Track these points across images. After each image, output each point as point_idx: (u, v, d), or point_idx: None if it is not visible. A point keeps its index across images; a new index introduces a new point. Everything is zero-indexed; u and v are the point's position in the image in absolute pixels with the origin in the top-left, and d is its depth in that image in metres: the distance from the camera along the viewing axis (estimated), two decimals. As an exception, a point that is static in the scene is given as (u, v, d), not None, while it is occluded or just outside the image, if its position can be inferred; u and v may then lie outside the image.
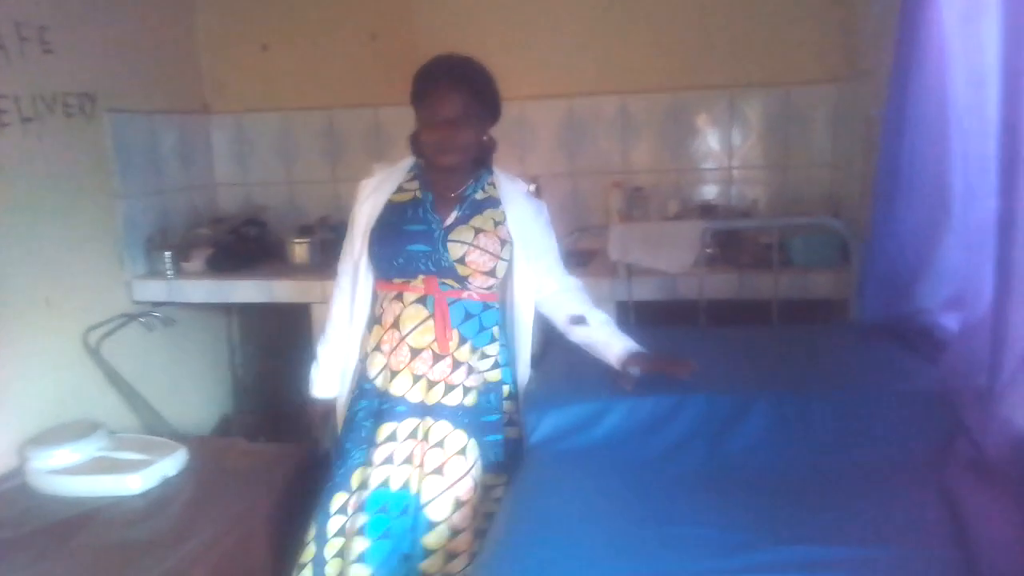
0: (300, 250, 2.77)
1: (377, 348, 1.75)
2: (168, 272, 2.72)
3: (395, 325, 1.72)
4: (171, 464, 2.12)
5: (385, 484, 1.67)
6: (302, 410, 1.93)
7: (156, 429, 2.59)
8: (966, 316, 1.53)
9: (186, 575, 1.70)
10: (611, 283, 2.43)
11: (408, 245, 1.70)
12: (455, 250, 1.69)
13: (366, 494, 1.66)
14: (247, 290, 2.64)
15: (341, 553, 1.68)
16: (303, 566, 1.71)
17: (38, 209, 2.32)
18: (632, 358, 1.71)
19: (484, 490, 1.73)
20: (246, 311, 3.12)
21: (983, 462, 1.31)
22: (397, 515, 1.66)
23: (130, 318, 2.63)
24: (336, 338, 1.84)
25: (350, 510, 1.69)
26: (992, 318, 1.30)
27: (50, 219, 2.36)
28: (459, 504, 1.67)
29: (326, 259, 2.56)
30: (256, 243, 2.91)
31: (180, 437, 2.36)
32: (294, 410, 2.53)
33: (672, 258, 2.32)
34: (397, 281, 1.73)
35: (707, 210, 2.78)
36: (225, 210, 3.17)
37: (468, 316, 1.73)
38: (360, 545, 1.64)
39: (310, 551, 1.71)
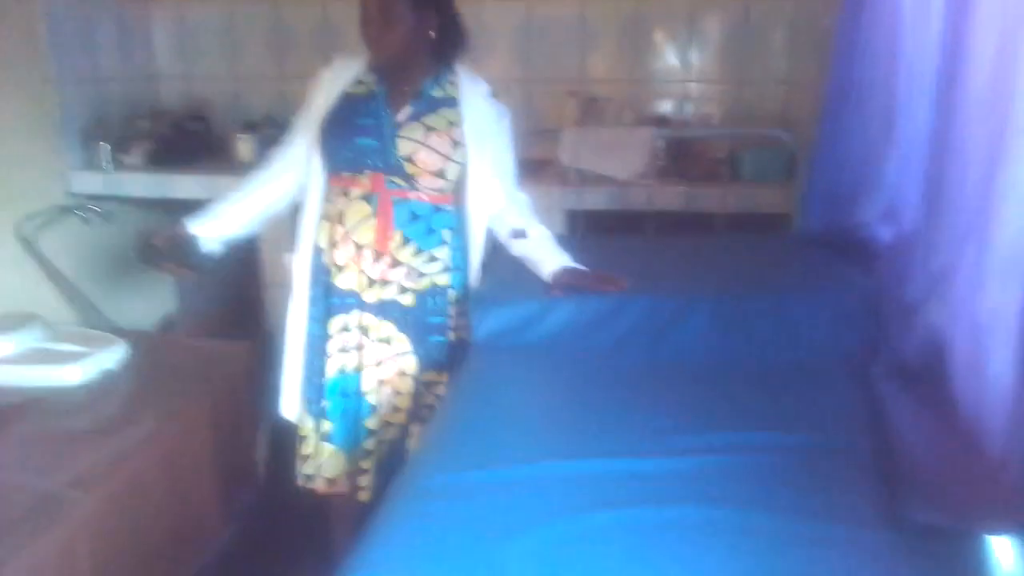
0: (244, 146, 2.70)
1: (327, 243, 1.75)
2: (106, 164, 2.63)
3: (340, 220, 1.72)
4: (111, 357, 2.10)
5: (341, 371, 1.77)
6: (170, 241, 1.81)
7: (95, 325, 2.54)
8: (897, 229, 1.58)
9: (125, 465, 1.69)
10: (562, 192, 2.43)
11: (356, 138, 1.69)
12: (404, 147, 1.67)
13: (325, 381, 1.77)
14: (189, 185, 2.59)
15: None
16: (309, 455, 1.84)
17: None
18: (565, 273, 1.73)
19: (424, 385, 1.78)
20: (188, 208, 3.05)
21: (904, 366, 1.38)
22: (353, 396, 1.77)
23: (66, 210, 2.55)
24: (244, 201, 1.83)
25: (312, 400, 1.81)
26: (920, 231, 1.35)
27: None
28: (395, 395, 1.77)
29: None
30: (198, 138, 2.83)
31: (121, 333, 2.32)
32: (239, 308, 2.52)
33: (623, 164, 2.33)
34: (345, 175, 1.72)
35: (661, 122, 2.79)
36: (166, 104, 3.06)
37: (414, 217, 1.73)
38: (326, 427, 1.79)
39: (313, 440, 1.83)
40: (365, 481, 1.78)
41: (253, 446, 2.17)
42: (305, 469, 1.84)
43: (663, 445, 1.21)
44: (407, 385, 1.78)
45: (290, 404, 1.86)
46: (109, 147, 2.63)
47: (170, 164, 2.65)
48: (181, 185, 2.59)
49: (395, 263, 1.72)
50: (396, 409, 1.79)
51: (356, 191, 1.71)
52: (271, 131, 2.78)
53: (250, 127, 2.80)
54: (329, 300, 1.76)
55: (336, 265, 1.74)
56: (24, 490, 1.56)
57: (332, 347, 1.77)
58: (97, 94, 2.75)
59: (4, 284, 2.34)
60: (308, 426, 1.83)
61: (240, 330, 2.39)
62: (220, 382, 2.09)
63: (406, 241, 1.72)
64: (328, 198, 1.75)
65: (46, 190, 2.54)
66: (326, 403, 1.78)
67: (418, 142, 1.67)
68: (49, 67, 2.52)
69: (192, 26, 3.04)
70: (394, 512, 1.09)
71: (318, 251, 1.78)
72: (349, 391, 1.78)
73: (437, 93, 1.73)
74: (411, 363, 1.78)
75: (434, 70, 1.73)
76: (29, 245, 2.40)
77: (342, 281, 1.74)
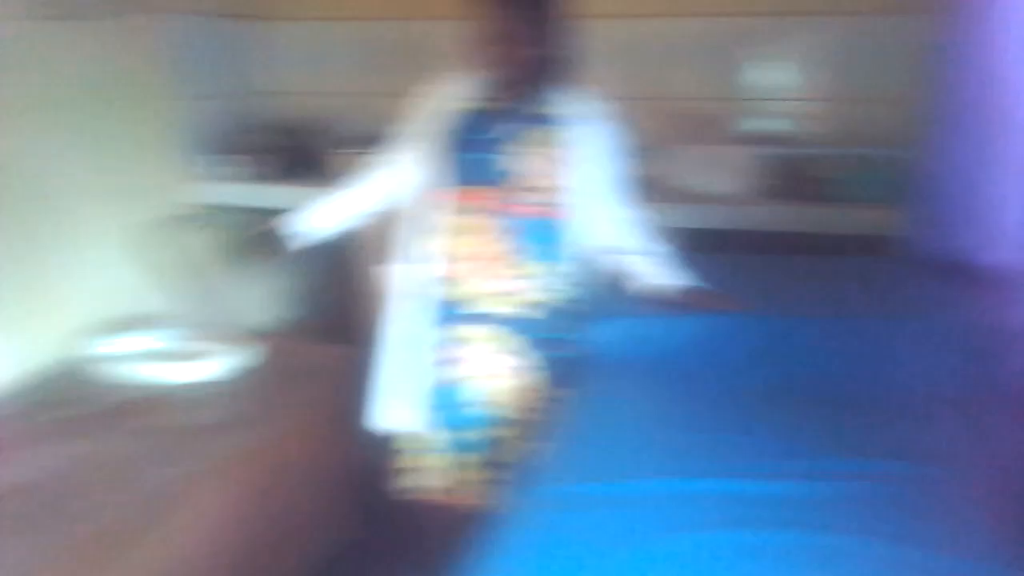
0: (354, 161, 2.80)
1: (441, 255, 1.80)
2: (223, 175, 2.80)
3: (453, 233, 1.77)
4: (237, 357, 2.23)
5: (449, 381, 1.82)
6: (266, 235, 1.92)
7: (213, 328, 2.69)
8: (1004, 254, 1.57)
9: (252, 459, 1.80)
10: (662, 209, 2.45)
11: (471, 154, 1.75)
12: (517, 163, 1.72)
13: (432, 391, 1.82)
14: (294, 197, 2.68)
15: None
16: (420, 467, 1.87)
17: (96, 107, 2.37)
18: (683, 291, 1.76)
19: (536, 399, 1.80)
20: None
21: (1013, 394, 1.37)
22: (461, 407, 1.82)
23: (188, 218, 2.72)
24: (358, 192, 1.91)
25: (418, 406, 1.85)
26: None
27: (107, 117, 2.42)
28: (505, 407, 1.80)
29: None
30: (311, 152, 2.95)
31: (241, 333, 2.44)
32: (334, 317, 2.60)
33: (724, 182, 2.34)
34: (459, 189, 1.76)
35: (765, 140, 2.76)
36: (282, 118, 3.20)
37: (528, 232, 1.76)
38: (433, 436, 1.85)
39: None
40: (472, 490, 1.83)
41: (356, 452, 2.24)
42: (407, 478, 1.89)
43: (774, 468, 1.24)
44: (518, 398, 1.80)
45: (388, 414, 1.90)
46: (226, 158, 2.80)
47: (283, 176, 2.81)
48: (292, 197, 2.70)
49: (509, 277, 1.76)
50: (504, 421, 1.82)
51: (471, 205, 1.75)
52: (381, 147, 2.88)
53: (361, 142, 2.91)
54: (439, 311, 1.81)
55: (448, 277, 1.79)
56: (153, 477, 1.68)
57: (440, 357, 1.82)
58: (217, 108, 2.91)
59: (130, 286, 2.52)
60: (413, 435, 1.87)
61: (336, 339, 2.48)
62: (341, 383, 2.16)
63: (520, 255, 1.76)
64: (441, 211, 1.79)
65: (170, 198, 2.72)
66: (432, 413, 1.83)
67: (531, 158, 1.72)
68: (174, 83, 2.67)
69: (312, 43, 3.17)
70: (514, 521, 1.14)
71: (430, 262, 1.81)
72: (456, 402, 1.82)
73: (547, 110, 1.76)
74: (524, 376, 1.80)
75: (547, 88, 1.76)
76: (157, 248, 2.58)
77: (453, 293, 1.79)
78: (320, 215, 1.90)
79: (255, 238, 1.88)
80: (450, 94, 1.80)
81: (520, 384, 1.80)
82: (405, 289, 1.86)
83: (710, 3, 2.81)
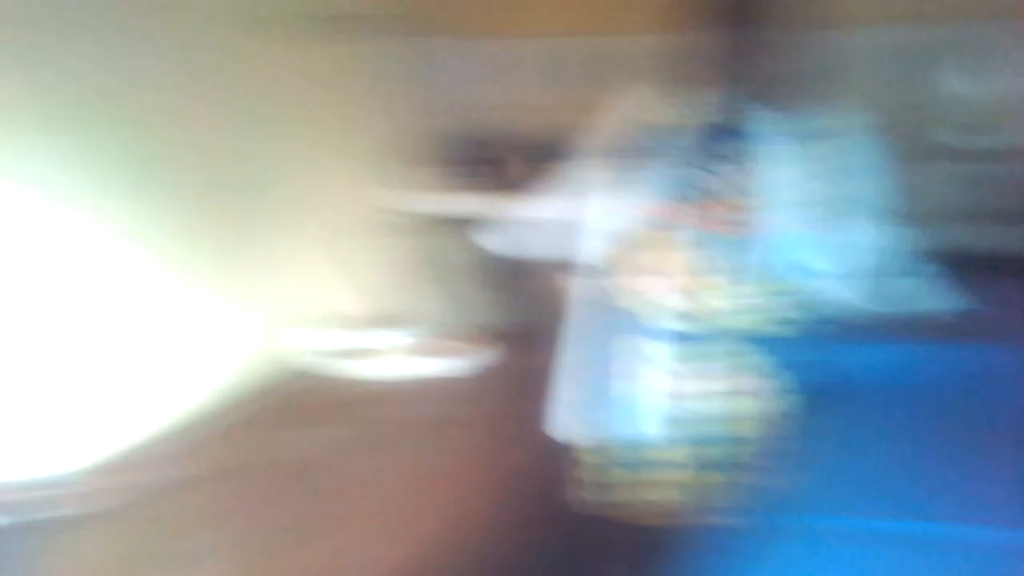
0: (543, 172, 2.85)
1: (631, 269, 1.78)
2: (437, 186, 2.95)
3: (645, 247, 1.75)
4: (481, 356, 2.36)
5: (639, 396, 1.77)
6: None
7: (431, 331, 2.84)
8: None
9: (504, 458, 1.89)
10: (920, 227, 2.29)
11: (666, 168, 1.72)
12: (713, 178, 1.69)
13: (622, 406, 1.80)
14: (489, 207, 2.77)
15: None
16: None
17: (310, 120, 2.57)
18: (949, 317, 1.68)
19: (738, 423, 1.78)
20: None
21: None
22: (647, 423, 1.78)
23: (404, 224, 2.91)
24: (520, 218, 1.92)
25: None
26: None
27: (335, 129, 2.65)
28: (701, 425, 1.74)
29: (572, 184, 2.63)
30: (501, 164, 3.02)
31: (467, 338, 2.55)
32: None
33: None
34: (653, 204, 1.74)
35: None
36: (474, 131, 3.27)
37: (723, 249, 1.71)
38: (628, 452, 1.81)
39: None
40: (661, 509, 1.80)
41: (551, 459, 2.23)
42: (596, 492, 1.86)
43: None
44: (708, 419, 1.76)
45: (572, 424, 1.88)
46: (440, 169, 2.96)
47: (470, 187, 2.89)
48: (498, 208, 2.80)
49: (701, 294, 1.72)
50: (694, 441, 1.78)
51: (665, 219, 1.73)
52: (576, 160, 2.94)
53: (554, 153, 2.98)
54: (625, 324, 1.78)
55: (637, 290, 1.77)
56: (400, 468, 1.82)
57: (627, 371, 1.79)
58: (410, 121, 3.05)
59: (358, 286, 2.72)
60: (598, 449, 1.85)
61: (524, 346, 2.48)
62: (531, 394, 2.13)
63: (713, 274, 1.71)
64: (633, 224, 1.78)
65: (381, 203, 2.90)
66: (615, 427, 1.80)
67: (730, 174, 1.68)
68: (381, 99, 2.87)
69: (510, 58, 3.24)
70: (748, 549, 1.15)
71: (621, 274, 1.80)
72: (640, 418, 1.79)
73: (753, 126, 1.71)
74: (714, 398, 1.75)
75: (755, 103, 1.71)
76: (370, 251, 2.81)
77: (640, 306, 1.76)
78: (516, 233, 1.92)
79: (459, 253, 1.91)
80: (647, 107, 1.79)
81: (711, 405, 1.76)
82: (591, 299, 1.84)
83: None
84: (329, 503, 1.69)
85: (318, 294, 2.61)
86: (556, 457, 1.92)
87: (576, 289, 1.86)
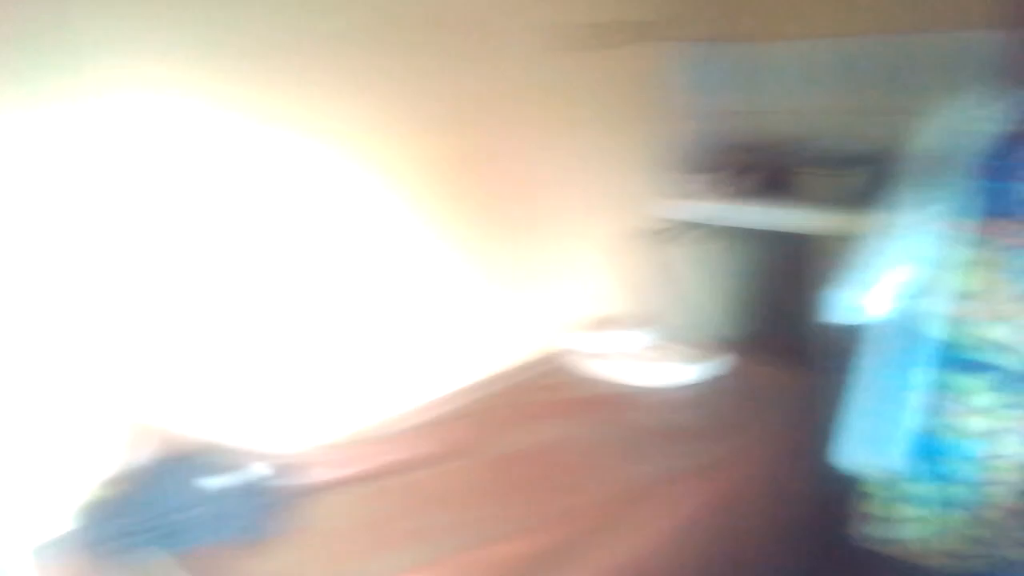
0: (838, 183, 2.67)
1: (944, 291, 1.62)
2: (701, 193, 2.88)
3: (967, 270, 1.58)
4: (708, 368, 2.28)
5: (934, 430, 1.64)
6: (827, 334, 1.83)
7: (677, 337, 2.79)
8: None
9: (722, 471, 1.81)
10: None
11: (994, 182, 1.55)
12: None
13: (912, 436, 1.65)
14: (776, 217, 2.66)
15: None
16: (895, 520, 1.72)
17: (595, 125, 2.61)
18: None
19: None
20: (766, 238, 3.15)
21: None
22: (948, 462, 1.63)
23: (662, 231, 2.86)
24: (885, 269, 1.73)
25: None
26: None
27: (604, 135, 2.65)
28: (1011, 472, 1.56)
29: (867, 195, 2.44)
30: (789, 174, 2.88)
31: (709, 345, 2.49)
32: (803, 341, 2.50)
33: None
34: (976, 221, 1.57)
35: None
36: (763, 138, 3.18)
37: None
38: (912, 487, 1.69)
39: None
40: (949, 552, 1.65)
41: (814, 485, 2.13)
42: (872, 525, 1.74)
43: None
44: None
45: (861, 453, 1.75)
46: (706, 177, 2.87)
47: (760, 195, 2.79)
48: (768, 216, 2.68)
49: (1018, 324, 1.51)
50: (1001, 488, 1.59)
51: (989, 238, 1.56)
52: (869, 169, 2.71)
53: (848, 163, 2.77)
54: (934, 351, 1.63)
55: (951, 315, 1.61)
56: (638, 474, 1.77)
57: (929, 402, 1.64)
58: (701, 128, 3.01)
59: (612, 287, 2.75)
60: (887, 481, 1.72)
61: (793, 361, 2.37)
62: (810, 412, 2.07)
63: None
64: (953, 243, 1.62)
65: (654, 211, 2.89)
66: (912, 461, 1.66)
67: None
68: (665, 105, 2.84)
69: (795, 61, 3.10)
70: None
71: (931, 296, 1.65)
72: (944, 454, 1.64)
73: None
74: None
75: None
76: (638, 257, 2.75)
77: (954, 334, 1.60)
78: (862, 301, 1.77)
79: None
80: (973, 114, 1.61)
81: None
82: (897, 322, 1.71)
83: None
84: (553, 499, 1.69)
85: (588, 296, 2.68)
86: (818, 483, 1.83)
87: (877, 311, 1.73)
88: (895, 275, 1.73)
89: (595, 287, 2.71)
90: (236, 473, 1.61)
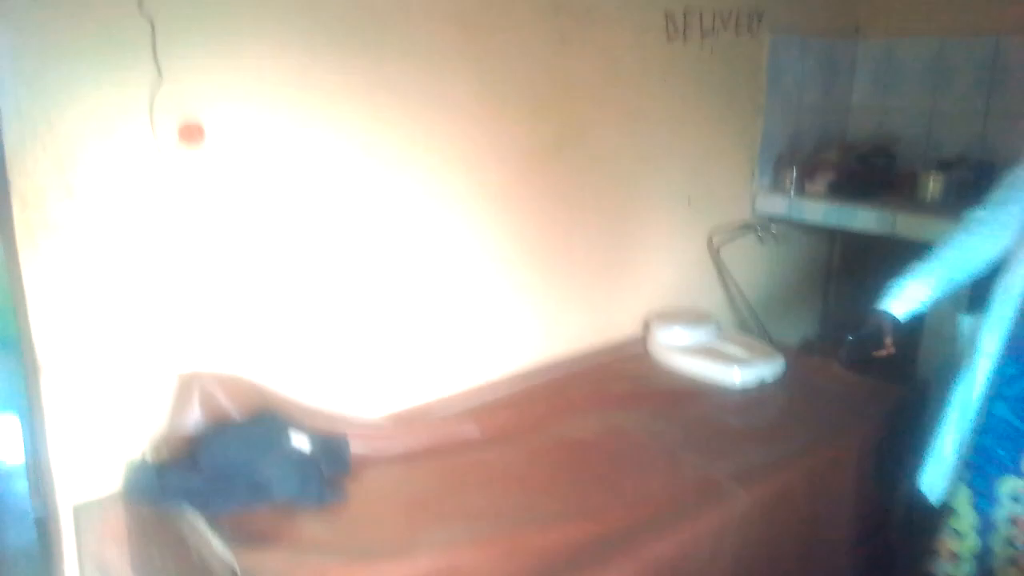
0: (934, 185, 2.57)
1: None
2: (791, 189, 2.80)
3: None
4: (770, 368, 2.25)
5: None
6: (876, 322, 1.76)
7: (752, 333, 2.76)
8: None
9: (776, 473, 1.79)
10: None
11: None
12: None
13: (1001, 477, 1.54)
14: (866, 219, 2.58)
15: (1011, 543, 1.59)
16: (957, 556, 1.64)
17: (692, 115, 2.58)
18: None
19: None
20: (852, 240, 3.07)
21: None
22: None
23: (749, 228, 2.80)
24: (943, 269, 1.67)
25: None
26: None
27: (699, 126, 2.62)
28: None
29: (958, 199, 2.34)
30: (882, 173, 2.80)
31: (776, 345, 2.46)
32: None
33: None
34: None
35: None
36: (856, 135, 3.11)
37: None
38: (978, 525, 1.57)
39: (970, 541, 1.63)
40: None
41: (889, 505, 2.07)
42: (943, 563, 1.65)
43: None
44: None
45: (935, 481, 1.68)
46: (796, 173, 2.79)
47: (849, 195, 2.70)
48: (859, 218, 2.60)
49: None
50: None
51: None
52: (963, 172, 2.60)
53: (943, 166, 2.67)
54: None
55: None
56: (692, 471, 1.77)
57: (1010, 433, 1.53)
58: (795, 123, 2.93)
59: (688, 282, 2.73)
60: (960, 516, 1.63)
61: (880, 373, 2.29)
62: (871, 418, 2.04)
63: None
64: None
65: (737, 207, 2.85)
66: (984, 495, 1.56)
67: None
68: (762, 98, 2.78)
69: (896, 59, 3.00)
70: None
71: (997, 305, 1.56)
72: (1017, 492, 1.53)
73: None
74: None
75: None
76: (714, 253, 2.71)
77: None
78: (912, 298, 1.71)
79: (859, 346, 1.75)
80: None
81: None
82: (990, 346, 1.61)
83: None
84: (608, 488, 1.70)
85: (669, 287, 2.68)
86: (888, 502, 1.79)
87: (974, 330, 1.64)
88: (952, 274, 1.66)
89: (677, 278, 2.70)
90: (302, 433, 1.65)
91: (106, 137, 1.52)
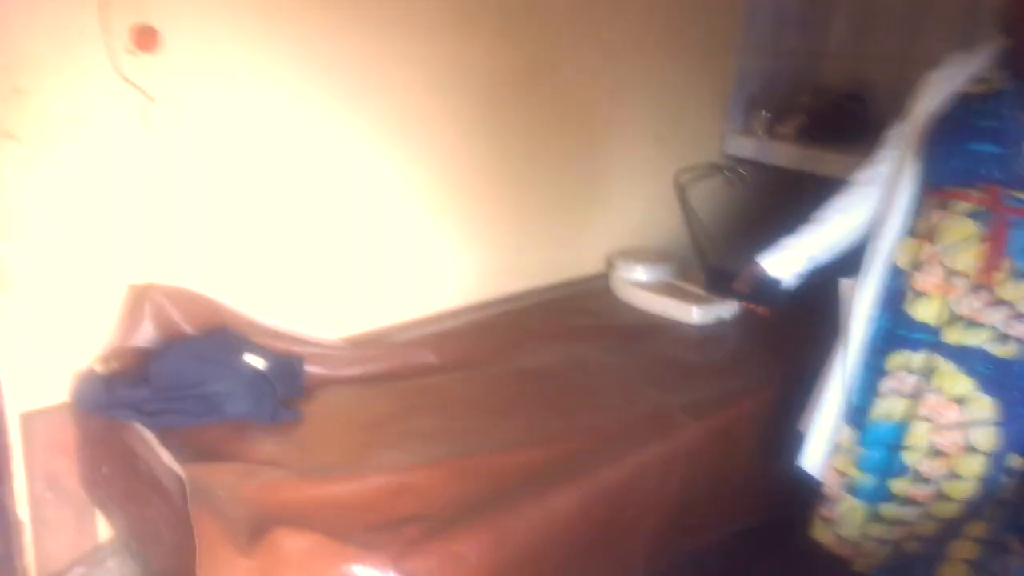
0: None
1: (908, 263, 1.51)
2: (761, 132, 2.80)
3: (931, 238, 1.46)
4: (727, 308, 2.27)
5: (887, 416, 1.53)
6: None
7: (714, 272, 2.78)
8: None
9: (724, 409, 1.83)
10: None
11: (971, 143, 1.41)
12: None
13: (867, 423, 1.55)
14: (833, 164, 2.59)
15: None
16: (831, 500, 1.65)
17: (665, 50, 2.55)
18: None
19: (1004, 473, 1.45)
20: (820, 184, 3.07)
21: None
22: (892, 450, 1.52)
23: (717, 168, 2.79)
24: (825, 227, 1.69)
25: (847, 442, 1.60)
26: None
27: (672, 62, 2.59)
28: (952, 476, 1.46)
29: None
30: (854, 118, 2.79)
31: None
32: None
33: None
34: (948, 187, 1.45)
35: None
36: (830, 82, 3.08)
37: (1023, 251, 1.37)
38: (854, 475, 1.59)
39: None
40: (873, 551, 1.56)
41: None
42: (822, 512, 1.66)
43: None
44: (974, 466, 1.45)
45: (815, 458, 1.68)
46: (767, 116, 2.78)
47: (821, 140, 2.70)
48: (826, 162, 2.61)
49: (995, 301, 1.40)
50: (945, 497, 1.48)
51: (961, 205, 1.42)
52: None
53: (896, 112, 2.67)
54: (895, 330, 1.52)
55: (914, 290, 1.49)
56: (645, 403, 1.81)
57: (885, 386, 1.53)
58: (769, 66, 2.90)
59: (659, 221, 2.73)
60: (836, 476, 1.63)
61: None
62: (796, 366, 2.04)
63: (1018, 275, 1.38)
64: (920, 212, 1.51)
65: (706, 147, 2.83)
66: (860, 450, 1.56)
67: None
68: (738, 39, 2.74)
69: (872, 5, 2.95)
70: None
71: (895, 272, 1.54)
72: (891, 443, 1.53)
73: None
74: (989, 438, 1.44)
75: None
76: (680, 192, 2.70)
77: (918, 311, 1.48)
78: (797, 255, 1.73)
79: (740, 288, 1.78)
80: (952, 77, 1.50)
81: (977, 447, 1.45)
82: (863, 302, 1.59)
83: None
84: (558, 416, 1.72)
85: (632, 223, 2.68)
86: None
87: (849, 292, 1.63)
88: (835, 232, 1.68)
89: (643, 216, 2.71)
90: (258, 351, 1.64)
91: (54, 39, 1.46)
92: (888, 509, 1.54)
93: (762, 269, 1.76)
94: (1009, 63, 1.44)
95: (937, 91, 1.52)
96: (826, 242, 1.71)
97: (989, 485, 1.46)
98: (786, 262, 1.74)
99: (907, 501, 1.52)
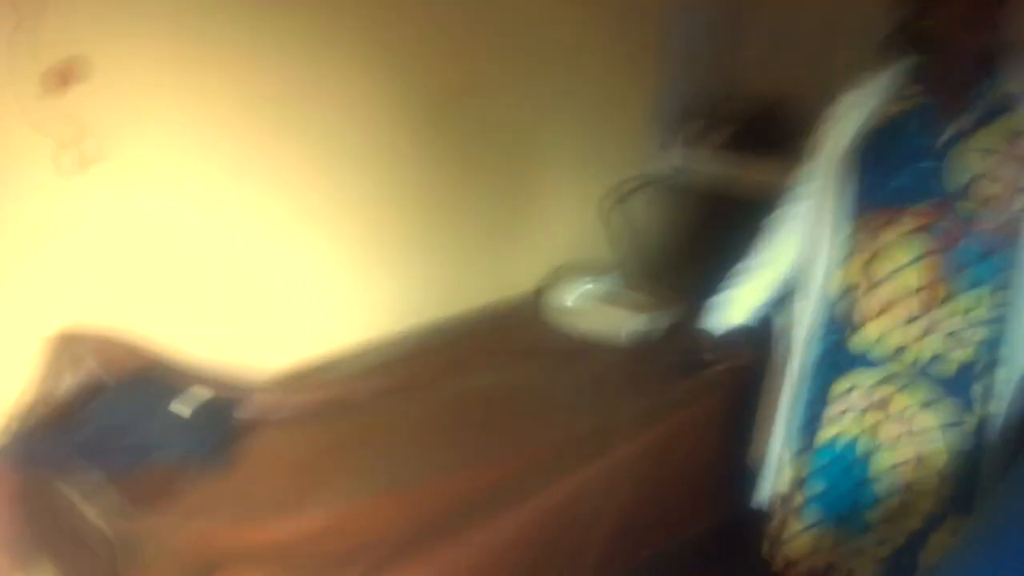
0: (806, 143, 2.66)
1: (845, 290, 1.54)
2: (689, 143, 2.85)
3: (871, 262, 1.48)
4: (656, 323, 2.32)
5: (832, 443, 1.57)
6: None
7: (648, 289, 2.82)
8: None
9: (659, 423, 1.84)
10: None
11: (904, 164, 1.43)
12: (960, 174, 1.38)
13: (812, 452, 1.60)
14: (760, 174, 2.65)
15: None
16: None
17: (585, 72, 2.56)
18: None
19: (956, 480, 1.49)
20: (754, 195, 3.13)
21: None
22: (844, 474, 1.56)
23: (646, 181, 2.84)
24: (761, 272, 1.72)
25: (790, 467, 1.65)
26: None
27: (594, 82, 2.60)
28: (909, 488, 1.49)
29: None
30: (780, 130, 2.87)
31: (667, 300, 2.49)
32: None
33: None
34: (883, 209, 1.46)
35: None
36: (757, 91, 3.13)
37: (968, 263, 1.40)
38: (799, 501, 1.63)
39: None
40: (844, 570, 1.59)
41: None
42: (772, 544, 1.69)
43: None
44: (930, 478, 1.48)
45: (764, 482, 1.71)
46: (696, 126, 2.84)
47: (748, 150, 2.75)
48: (753, 173, 2.66)
49: (935, 321, 1.44)
50: (908, 507, 1.51)
51: (895, 229, 1.44)
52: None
53: (815, 121, 2.76)
54: (837, 358, 1.55)
55: (855, 318, 1.52)
56: (584, 419, 1.82)
57: (829, 414, 1.57)
58: (696, 75, 2.93)
59: (592, 239, 2.77)
60: (787, 498, 1.67)
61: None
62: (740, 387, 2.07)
63: (953, 294, 1.41)
64: (855, 236, 1.52)
65: (634, 159, 2.86)
66: (810, 476, 1.60)
67: (981, 162, 1.36)
68: (660, 45, 2.77)
69: (788, 14, 3.03)
70: None
71: (830, 301, 1.57)
72: (840, 467, 1.57)
73: (994, 96, 1.38)
74: (938, 449, 1.47)
75: (988, 66, 1.39)
76: (612, 208, 2.75)
77: (859, 338, 1.51)
78: (740, 307, 1.77)
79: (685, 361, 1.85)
80: (863, 102, 1.51)
81: (928, 458, 1.48)
82: (801, 331, 1.62)
83: None
84: (499, 439, 1.72)
85: (564, 239, 2.69)
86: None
87: (793, 315, 1.65)
88: (771, 274, 1.71)
89: (576, 235, 2.73)
90: (184, 396, 1.59)
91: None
92: (867, 540, 1.55)
93: (711, 331, 1.80)
94: (924, 77, 1.46)
95: (850, 117, 1.52)
96: (762, 292, 1.74)
97: (941, 491, 1.49)
98: (730, 315, 1.78)
99: (879, 525, 1.53)
